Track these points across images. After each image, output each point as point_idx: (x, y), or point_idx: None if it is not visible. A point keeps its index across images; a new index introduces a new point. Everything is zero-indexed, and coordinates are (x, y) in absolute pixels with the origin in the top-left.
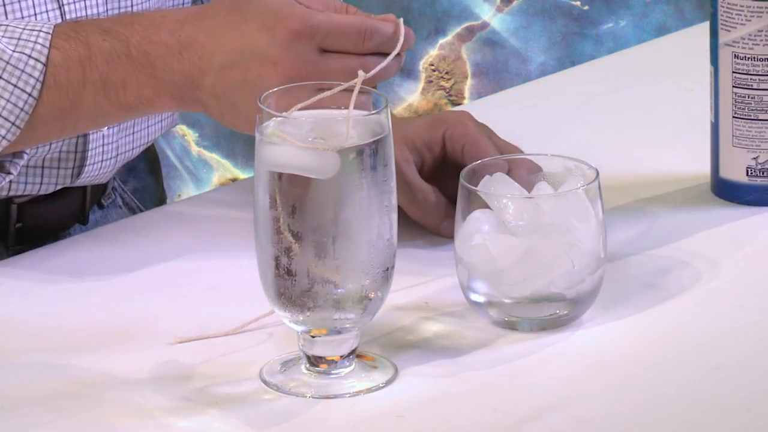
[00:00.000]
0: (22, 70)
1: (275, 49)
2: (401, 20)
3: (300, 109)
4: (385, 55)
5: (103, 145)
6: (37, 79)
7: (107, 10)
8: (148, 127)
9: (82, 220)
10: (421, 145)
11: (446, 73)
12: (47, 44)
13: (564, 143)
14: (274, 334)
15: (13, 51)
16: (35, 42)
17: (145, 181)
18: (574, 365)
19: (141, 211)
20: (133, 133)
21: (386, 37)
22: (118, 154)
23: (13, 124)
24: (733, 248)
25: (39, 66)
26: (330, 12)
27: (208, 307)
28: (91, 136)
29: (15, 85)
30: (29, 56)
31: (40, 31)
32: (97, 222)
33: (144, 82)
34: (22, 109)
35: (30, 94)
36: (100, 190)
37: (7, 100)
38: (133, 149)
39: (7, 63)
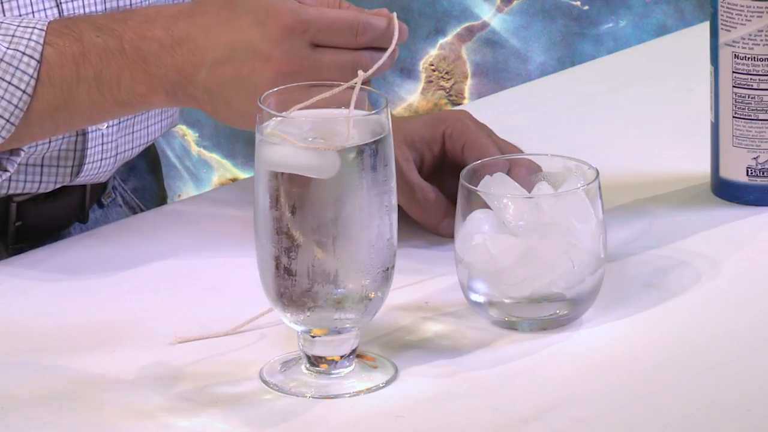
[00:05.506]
0: (16, 67)
1: (267, 44)
2: (394, 14)
3: (299, 109)
4: (378, 49)
5: (102, 143)
6: (31, 76)
7: (105, 8)
8: (147, 126)
9: (82, 219)
10: (420, 143)
11: (446, 73)
12: (41, 41)
13: (564, 143)
14: (274, 334)
15: (7, 48)
16: (29, 39)
17: (146, 181)
18: (574, 365)
19: (141, 210)
20: (133, 133)
21: (379, 31)
22: (117, 153)
23: (8, 121)
24: (733, 248)
25: (33, 63)
26: (322, 7)
27: (208, 307)
28: (90, 135)
29: (9, 82)
30: (23, 53)
31: (34, 28)
32: (97, 221)
33: (137, 78)
34: (16, 107)
35: (24, 91)
36: (100, 188)
37: (1, 98)
38: (132, 149)
39: (1, 60)
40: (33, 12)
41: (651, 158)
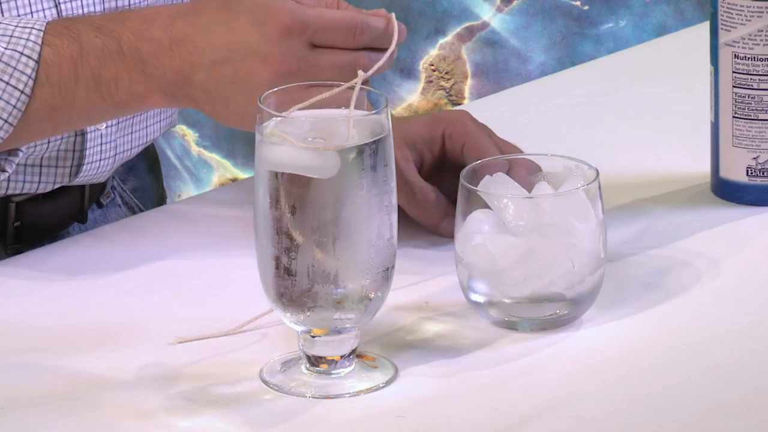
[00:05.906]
0: (14, 68)
1: (265, 45)
2: (393, 15)
3: (299, 109)
4: (377, 49)
5: (101, 144)
6: (30, 77)
7: (104, 9)
8: (146, 127)
9: (81, 219)
10: (420, 143)
11: (446, 73)
12: (39, 41)
13: (564, 143)
14: (274, 334)
15: (5, 48)
16: (27, 39)
17: (145, 181)
18: (574, 365)
19: (140, 210)
20: (132, 133)
21: (378, 32)
22: (116, 154)
23: (6, 121)
24: (733, 248)
25: (31, 63)
26: (321, 7)
27: (208, 307)
28: (88, 135)
29: (7, 83)
30: (21, 53)
31: (32, 28)
32: (96, 221)
33: (136, 79)
34: (14, 107)
35: (22, 92)
36: (98, 189)
37: (0, 98)
38: (131, 149)
39: None
40: (32, 12)
41: (651, 158)
